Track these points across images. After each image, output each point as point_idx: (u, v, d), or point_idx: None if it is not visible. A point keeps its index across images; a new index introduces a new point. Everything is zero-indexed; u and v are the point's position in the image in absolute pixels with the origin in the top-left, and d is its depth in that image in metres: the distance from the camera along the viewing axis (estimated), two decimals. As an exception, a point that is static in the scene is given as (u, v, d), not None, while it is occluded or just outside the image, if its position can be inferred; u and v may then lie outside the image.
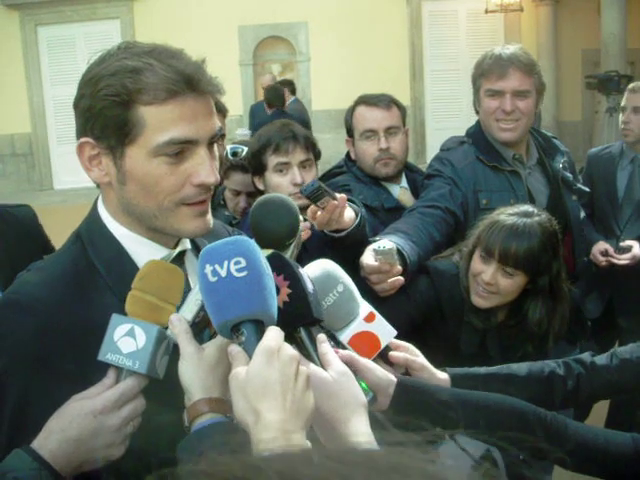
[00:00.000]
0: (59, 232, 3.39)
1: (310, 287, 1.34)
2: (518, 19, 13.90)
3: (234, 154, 3.46)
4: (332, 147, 7.12)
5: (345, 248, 2.23)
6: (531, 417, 1.71)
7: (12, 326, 1.31)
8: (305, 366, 1.23)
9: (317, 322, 1.37)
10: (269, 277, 1.19)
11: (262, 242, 1.40)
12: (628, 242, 3.64)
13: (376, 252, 2.16)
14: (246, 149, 3.29)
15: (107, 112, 1.29)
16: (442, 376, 1.83)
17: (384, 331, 1.63)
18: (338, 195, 2.21)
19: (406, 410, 1.64)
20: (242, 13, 13.64)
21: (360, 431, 1.23)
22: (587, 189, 3.37)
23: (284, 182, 2.72)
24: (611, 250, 3.61)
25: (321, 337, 1.34)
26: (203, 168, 1.33)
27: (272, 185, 2.75)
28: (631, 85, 4.12)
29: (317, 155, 2.84)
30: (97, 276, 1.38)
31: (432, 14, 14.36)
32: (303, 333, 1.34)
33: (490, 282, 2.29)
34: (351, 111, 3.11)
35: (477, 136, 3.01)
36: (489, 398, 1.73)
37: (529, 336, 2.37)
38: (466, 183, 2.86)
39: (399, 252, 2.26)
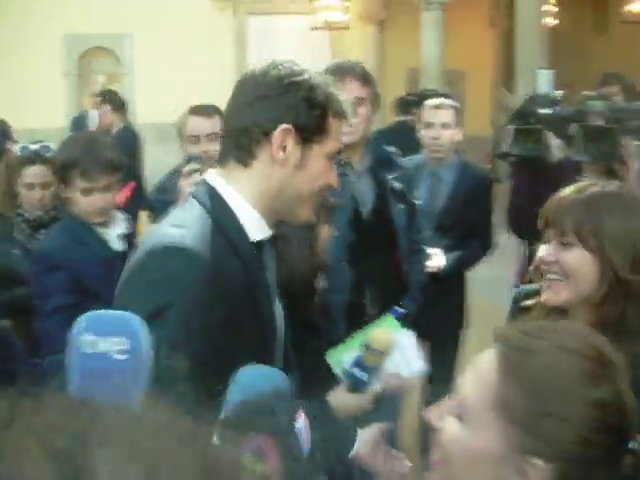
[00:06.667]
0: None
1: (306, 448, 1.17)
2: (345, 37, 14.23)
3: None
4: (159, 160, 6.93)
5: None
6: None
7: (180, 270, 1.47)
8: None
9: None
10: (147, 367, 1.10)
11: None
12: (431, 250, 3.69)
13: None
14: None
15: (315, 112, 1.61)
16: None
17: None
18: None
19: None
20: (67, 23, 13.02)
21: None
22: (417, 202, 3.42)
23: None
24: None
25: None
26: (333, 173, 1.71)
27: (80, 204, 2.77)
28: (434, 102, 4.06)
29: None
30: (225, 240, 1.57)
31: (258, 29, 14.37)
32: None
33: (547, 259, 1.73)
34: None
35: None
36: None
37: None
38: None
39: None
